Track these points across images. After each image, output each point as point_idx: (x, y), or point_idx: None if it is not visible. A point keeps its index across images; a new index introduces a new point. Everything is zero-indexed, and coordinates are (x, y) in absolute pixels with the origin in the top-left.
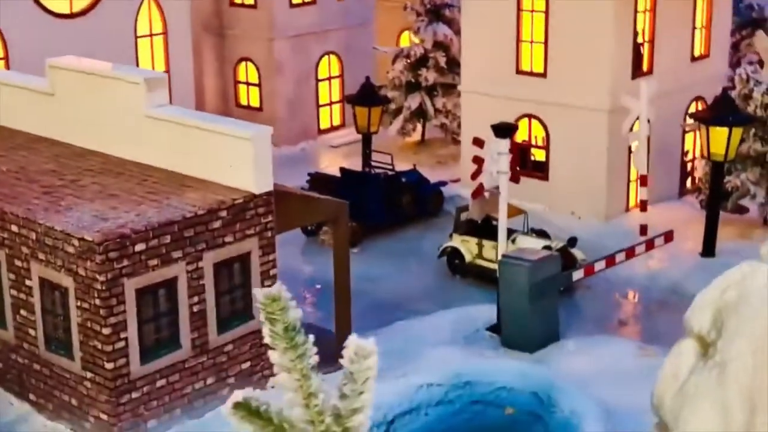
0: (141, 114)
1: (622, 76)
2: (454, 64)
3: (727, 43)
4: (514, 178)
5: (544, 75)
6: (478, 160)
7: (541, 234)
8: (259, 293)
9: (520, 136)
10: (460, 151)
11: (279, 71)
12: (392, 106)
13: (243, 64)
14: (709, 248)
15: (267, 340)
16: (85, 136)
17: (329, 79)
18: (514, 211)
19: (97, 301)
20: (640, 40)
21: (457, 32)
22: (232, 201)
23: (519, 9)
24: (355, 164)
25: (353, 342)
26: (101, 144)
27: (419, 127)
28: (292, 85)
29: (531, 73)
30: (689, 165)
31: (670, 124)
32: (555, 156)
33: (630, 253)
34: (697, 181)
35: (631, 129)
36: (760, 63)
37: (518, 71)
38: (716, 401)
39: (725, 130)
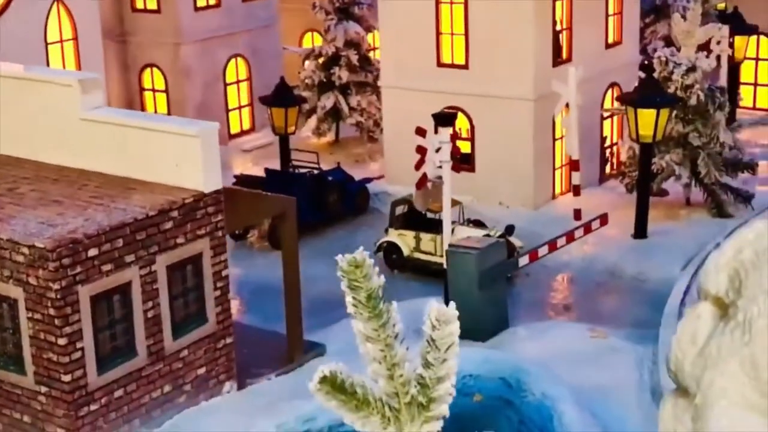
0: (75, 117)
1: (544, 64)
2: (366, 62)
3: (637, 30)
4: (455, 168)
5: (466, 66)
6: (422, 150)
7: (478, 224)
8: (341, 260)
9: None
10: (375, 149)
11: (186, 76)
12: (306, 107)
13: (148, 70)
14: (641, 230)
15: (349, 309)
16: (14, 143)
17: (237, 82)
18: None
19: (51, 311)
20: (558, 28)
21: (368, 29)
22: (183, 200)
23: (437, 1)
24: (272, 166)
25: (434, 308)
26: (33, 151)
27: (333, 126)
28: (200, 90)
29: (452, 65)
30: (608, 151)
31: (589, 110)
32: (481, 147)
33: (570, 237)
34: (619, 165)
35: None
36: (676, 47)
37: (439, 64)
38: (743, 360)
39: (653, 111)
